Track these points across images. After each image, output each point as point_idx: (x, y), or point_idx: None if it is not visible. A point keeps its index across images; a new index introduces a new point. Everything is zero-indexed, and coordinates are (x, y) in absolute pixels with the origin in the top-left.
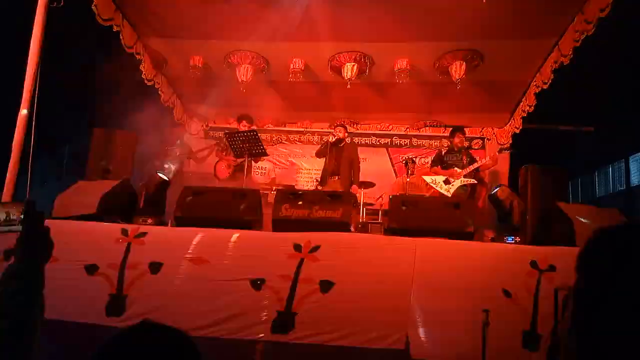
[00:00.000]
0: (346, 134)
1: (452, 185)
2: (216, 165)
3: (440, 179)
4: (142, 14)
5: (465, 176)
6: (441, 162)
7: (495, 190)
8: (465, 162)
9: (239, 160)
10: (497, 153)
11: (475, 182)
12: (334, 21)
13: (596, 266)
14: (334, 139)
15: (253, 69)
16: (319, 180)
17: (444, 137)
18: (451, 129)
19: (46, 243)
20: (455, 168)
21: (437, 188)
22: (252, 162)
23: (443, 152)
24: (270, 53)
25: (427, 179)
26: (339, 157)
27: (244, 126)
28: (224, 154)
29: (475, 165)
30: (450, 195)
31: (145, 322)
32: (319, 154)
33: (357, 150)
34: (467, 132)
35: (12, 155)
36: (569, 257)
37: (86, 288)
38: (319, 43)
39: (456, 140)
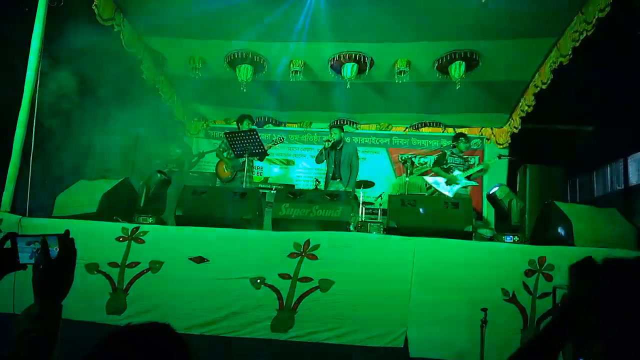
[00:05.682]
0: (342, 134)
1: (455, 186)
2: (217, 166)
3: (442, 179)
4: (143, 14)
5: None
6: (444, 163)
7: (494, 189)
8: (466, 165)
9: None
10: (496, 159)
11: (476, 184)
12: (334, 21)
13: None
14: (329, 144)
15: (253, 69)
16: (323, 185)
17: (444, 136)
18: (456, 133)
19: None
20: (456, 171)
21: (440, 189)
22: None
23: (448, 154)
24: (271, 53)
25: (430, 179)
26: (338, 160)
27: (247, 125)
28: (224, 154)
29: (474, 169)
30: (452, 196)
31: (129, 326)
32: (318, 160)
33: (355, 149)
34: (466, 132)
35: (12, 154)
36: (567, 256)
37: (86, 286)
38: (319, 43)
39: (460, 144)
